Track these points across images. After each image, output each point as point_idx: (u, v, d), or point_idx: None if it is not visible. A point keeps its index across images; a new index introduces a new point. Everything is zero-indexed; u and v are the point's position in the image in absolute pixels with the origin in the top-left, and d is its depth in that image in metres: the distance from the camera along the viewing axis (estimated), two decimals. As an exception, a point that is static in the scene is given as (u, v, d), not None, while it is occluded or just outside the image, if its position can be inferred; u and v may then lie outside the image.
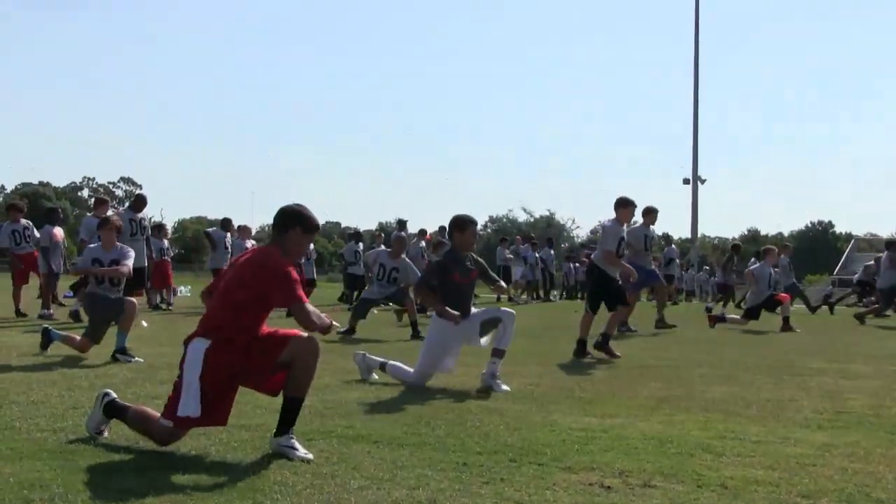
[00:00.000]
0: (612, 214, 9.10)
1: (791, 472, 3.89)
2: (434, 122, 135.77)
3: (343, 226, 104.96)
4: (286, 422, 4.09)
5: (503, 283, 7.45)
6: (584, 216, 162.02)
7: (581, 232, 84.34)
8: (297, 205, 4.36)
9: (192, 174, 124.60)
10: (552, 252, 24.50)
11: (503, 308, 6.79)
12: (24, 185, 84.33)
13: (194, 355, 4.07)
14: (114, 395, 4.37)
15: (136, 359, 7.39)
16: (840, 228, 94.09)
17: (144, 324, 11.66)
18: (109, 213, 13.21)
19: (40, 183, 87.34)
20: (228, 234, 17.11)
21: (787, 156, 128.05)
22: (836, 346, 11.03)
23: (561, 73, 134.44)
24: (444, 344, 6.45)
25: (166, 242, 18.85)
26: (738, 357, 8.59)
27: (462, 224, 6.61)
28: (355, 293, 18.76)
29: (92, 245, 8.48)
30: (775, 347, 10.12)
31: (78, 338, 7.66)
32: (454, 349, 6.55)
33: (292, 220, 4.28)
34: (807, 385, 6.96)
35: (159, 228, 20.07)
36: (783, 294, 14.13)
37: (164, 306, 16.84)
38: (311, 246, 19.43)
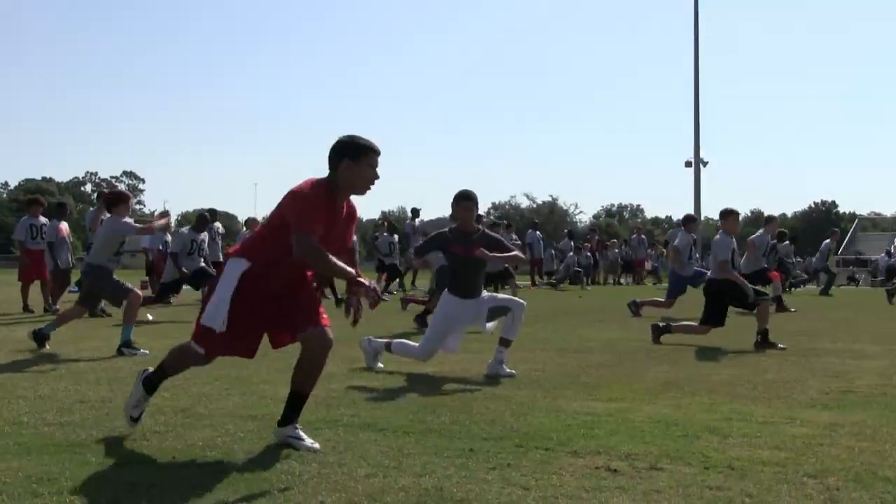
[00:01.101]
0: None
1: (798, 452, 3.89)
2: (436, 110, 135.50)
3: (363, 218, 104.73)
4: (291, 413, 4.04)
5: (520, 253, 7.28)
6: (587, 201, 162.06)
7: (584, 217, 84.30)
8: (344, 136, 4.04)
9: (195, 167, 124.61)
10: (538, 234, 24.38)
11: (514, 298, 6.77)
12: (27, 180, 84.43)
13: (231, 271, 3.92)
14: (150, 369, 4.36)
15: (142, 351, 7.39)
16: (843, 208, 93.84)
17: (149, 317, 11.69)
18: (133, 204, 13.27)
19: (43, 178, 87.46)
20: (217, 224, 17.47)
21: (790, 137, 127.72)
22: (841, 326, 11.03)
23: (562, 57, 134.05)
24: (450, 322, 6.46)
25: (169, 236, 18.88)
26: (743, 338, 8.58)
27: (456, 199, 6.55)
28: (392, 282, 19.47)
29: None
30: (781, 328, 10.10)
31: (67, 311, 7.89)
32: (459, 328, 6.56)
33: (337, 153, 3.97)
34: (813, 365, 6.96)
35: (162, 221, 20.09)
36: (775, 272, 14.21)
37: (171, 300, 16.87)
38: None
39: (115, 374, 6.17)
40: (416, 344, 6.54)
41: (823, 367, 6.82)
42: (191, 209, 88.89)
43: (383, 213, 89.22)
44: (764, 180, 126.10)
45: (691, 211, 35.01)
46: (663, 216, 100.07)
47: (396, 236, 19.73)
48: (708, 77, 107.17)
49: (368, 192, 4.05)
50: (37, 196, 16.74)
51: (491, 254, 6.46)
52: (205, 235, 12.85)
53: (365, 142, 4.01)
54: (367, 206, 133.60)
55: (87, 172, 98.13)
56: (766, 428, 4.43)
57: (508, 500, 3.18)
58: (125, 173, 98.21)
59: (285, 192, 3.96)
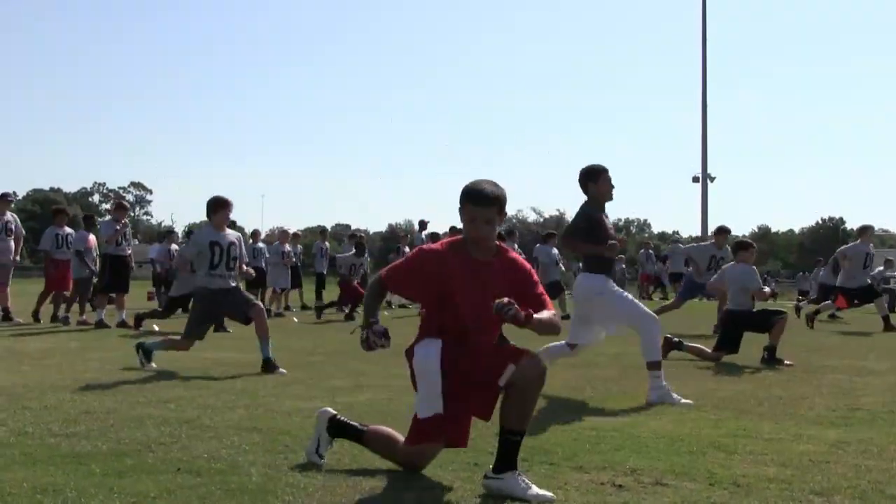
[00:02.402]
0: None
1: (804, 470, 3.87)
2: (444, 124, 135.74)
3: (353, 227, 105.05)
4: (507, 457, 3.49)
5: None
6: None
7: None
8: (469, 185, 3.71)
9: (203, 178, 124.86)
10: (515, 246, 23.82)
11: (644, 312, 6.14)
12: (35, 191, 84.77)
13: (428, 353, 3.62)
14: (332, 411, 4.06)
15: (151, 364, 7.32)
16: (851, 224, 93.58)
17: (156, 327, 11.72)
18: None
19: (51, 189, 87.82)
20: None
21: (797, 152, 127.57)
22: (850, 343, 10.98)
23: (570, 72, 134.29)
24: (590, 317, 6.23)
25: (175, 246, 18.96)
26: (750, 354, 8.55)
27: (593, 173, 6.16)
28: None
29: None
30: (788, 344, 10.05)
31: (177, 338, 7.52)
32: (596, 323, 6.27)
33: (462, 199, 3.67)
34: (820, 382, 6.93)
35: (169, 233, 20.26)
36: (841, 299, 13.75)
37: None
38: (326, 244, 19.72)
39: (120, 386, 6.18)
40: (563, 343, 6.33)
41: (830, 384, 6.79)
42: (198, 220, 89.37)
43: (390, 226, 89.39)
44: (771, 196, 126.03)
45: (698, 226, 34.92)
46: (670, 231, 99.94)
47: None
48: (716, 92, 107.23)
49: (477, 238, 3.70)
50: (63, 206, 16.87)
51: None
52: None
53: (472, 188, 3.67)
54: (375, 219, 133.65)
55: (95, 183, 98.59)
56: (772, 445, 4.41)
57: (513, 515, 3.17)
58: (133, 184, 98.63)
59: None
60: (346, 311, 15.57)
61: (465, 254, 3.70)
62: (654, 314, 6.14)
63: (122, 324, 12.20)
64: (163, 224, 75.86)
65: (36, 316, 13.05)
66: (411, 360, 3.70)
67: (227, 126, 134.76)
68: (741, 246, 8.91)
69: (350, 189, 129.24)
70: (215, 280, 7.50)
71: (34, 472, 3.64)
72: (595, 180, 6.15)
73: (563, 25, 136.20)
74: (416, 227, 19.73)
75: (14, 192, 13.34)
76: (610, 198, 6.25)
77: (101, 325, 12.14)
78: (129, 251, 13.08)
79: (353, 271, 16.03)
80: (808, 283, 33.65)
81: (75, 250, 13.12)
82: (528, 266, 3.88)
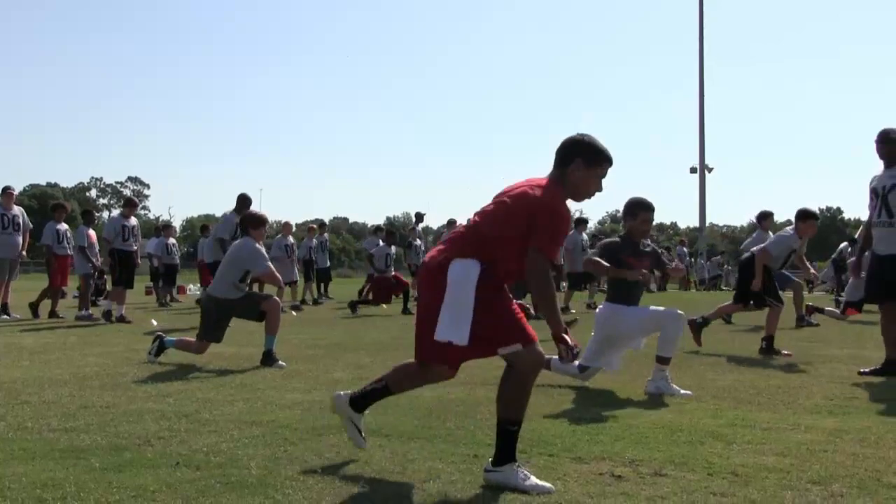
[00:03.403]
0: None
1: (802, 459, 3.88)
2: (441, 116, 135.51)
3: (351, 221, 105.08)
4: (505, 449, 3.48)
5: (679, 265, 6.89)
6: (591, 207, 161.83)
7: (589, 224, 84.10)
8: (579, 134, 3.69)
9: (200, 173, 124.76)
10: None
11: (671, 311, 6.08)
12: (32, 186, 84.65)
13: (465, 273, 3.45)
14: (344, 393, 3.96)
15: (155, 358, 7.27)
16: (849, 214, 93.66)
17: (154, 322, 11.73)
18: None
19: (48, 183, 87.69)
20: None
21: (795, 143, 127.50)
22: (849, 333, 11.00)
23: (567, 63, 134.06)
24: (609, 333, 6.06)
25: (172, 240, 18.97)
26: (748, 345, 8.57)
27: (637, 207, 6.21)
28: None
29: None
30: (789, 334, 10.08)
31: (192, 340, 7.41)
32: (619, 344, 6.12)
33: (570, 151, 3.62)
34: (818, 372, 6.95)
35: (166, 227, 20.26)
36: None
37: (179, 299, 16.94)
38: (326, 236, 19.73)
39: (119, 381, 6.18)
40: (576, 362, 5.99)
41: (829, 374, 6.81)
42: (195, 215, 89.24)
43: (388, 219, 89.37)
44: (769, 186, 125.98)
45: (696, 216, 34.89)
46: (668, 222, 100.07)
47: None
48: (713, 83, 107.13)
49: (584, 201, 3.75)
50: (62, 202, 16.85)
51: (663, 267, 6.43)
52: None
53: (603, 147, 3.67)
54: (371, 212, 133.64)
55: (93, 178, 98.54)
56: (770, 434, 4.42)
57: (512, 506, 3.17)
58: (130, 179, 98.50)
59: (523, 192, 3.54)
60: (399, 304, 15.04)
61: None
62: (679, 312, 6.06)
63: (121, 318, 12.18)
64: (160, 219, 75.67)
65: (35, 310, 13.05)
66: (441, 275, 3.49)
67: (224, 120, 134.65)
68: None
69: (348, 182, 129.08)
70: (237, 292, 7.47)
71: (33, 466, 3.64)
72: (633, 217, 6.21)
73: (560, 17, 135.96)
74: (413, 219, 19.70)
75: (13, 189, 13.20)
76: (644, 236, 6.32)
77: (121, 319, 12.09)
78: (136, 247, 13.06)
79: (388, 262, 15.54)
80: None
81: (79, 246, 13.11)
82: None
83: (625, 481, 3.50)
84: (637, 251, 6.20)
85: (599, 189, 3.69)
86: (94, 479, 3.45)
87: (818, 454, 3.97)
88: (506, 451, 3.47)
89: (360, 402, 3.91)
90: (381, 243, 16.02)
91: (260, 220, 7.68)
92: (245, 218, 7.81)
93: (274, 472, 3.59)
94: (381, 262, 15.35)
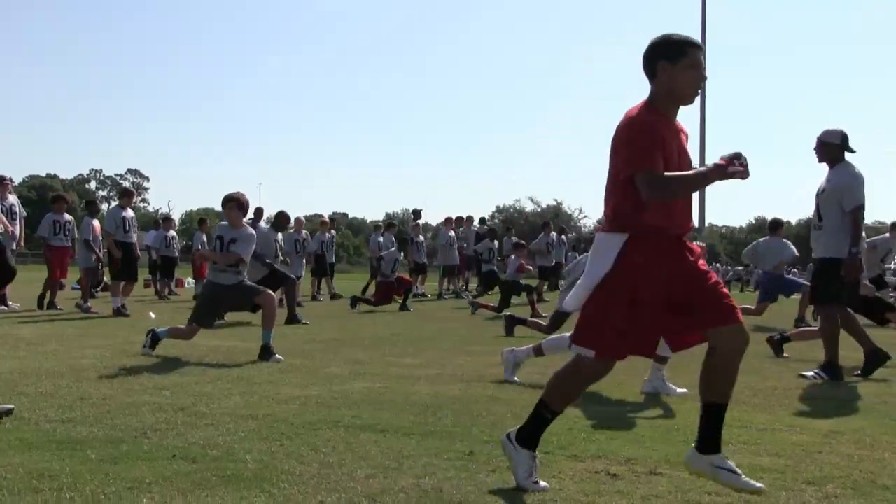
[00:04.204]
0: None
1: (797, 460, 3.89)
2: (441, 113, 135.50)
3: (350, 216, 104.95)
4: (710, 436, 3.31)
5: None
6: (592, 206, 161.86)
7: (588, 221, 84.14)
8: (652, 39, 3.34)
9: (200, 166, 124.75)
10: (554, 236, 22.82)
11: None
12: (31, 177, 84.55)
13: (609, 250, 3.26)
14: (510, 434, 3.51)
15: (150, 351, 7.26)
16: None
17: (152, 315, 11.72)
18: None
19: (48, 175, 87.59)
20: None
21: (794, 144, 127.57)
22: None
23: (567, 61, 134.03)
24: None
25: (173, 233, 18.96)
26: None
27: None
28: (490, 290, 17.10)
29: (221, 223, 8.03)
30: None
31: (182, 327, 7.56)
32: None
33: (651, 58, 3.29)
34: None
35: (166, 220, 20.26)
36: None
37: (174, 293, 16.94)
38: (332, 232, 19.71)
39: (116, 372, 6.19)
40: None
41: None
42: (194, 208, 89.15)
43: (387, 214, 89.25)
44: (768, 188, 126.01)
45: (696, 216, 34.86)
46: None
47: (497, 242, 18.08)
48: (714, 83, 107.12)
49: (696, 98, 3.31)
50: (62, 193, 16.77)
51: None
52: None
53: (681, 36, 3.28)
54: (371, 208, 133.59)
55: (92, 170, 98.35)
56: (765, 435, 4.43)
57: (508, 503, 3.18)
58: (130, 171, 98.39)
59: (617, 128, 3.24)
60: (400, 301, 14.90)
61: (665, 119, 3.27)
62: None
63: (119, 311, 12.14)
64: (160, 211, 75.66)
65: (41, 303, 13.02)
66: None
67: (224, 114, 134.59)
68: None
69: (347, 177, 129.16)
70: (221, 276, 7.54)
71: (30, 457, 3.65)
72: None
73: (561, 17, 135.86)
74: (412, 215, 19.72)
75: (10, 178, 13.13)
76: None
77: (118, 313, 11.92)
78: (135, 238, 12.99)
79: (395, 267, 15.22)
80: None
81: (84, 239, 13.02)
82: None
83: (620, 479, 3.50)
84: None
85: (702, 78, 3.28)
86: (91, 470, 3.46)
87: (813, 455, 3.98)
88: (714, 437, 3.30)
89: (528, 438, 3.46)
90: (381, 239, 16.04)
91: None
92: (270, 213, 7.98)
93: (270, 466, 3.60)
94: (389, 267, 15.04)
